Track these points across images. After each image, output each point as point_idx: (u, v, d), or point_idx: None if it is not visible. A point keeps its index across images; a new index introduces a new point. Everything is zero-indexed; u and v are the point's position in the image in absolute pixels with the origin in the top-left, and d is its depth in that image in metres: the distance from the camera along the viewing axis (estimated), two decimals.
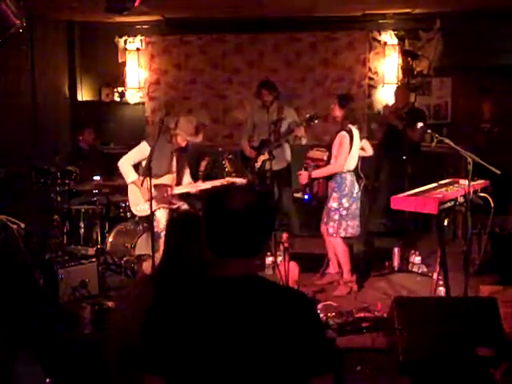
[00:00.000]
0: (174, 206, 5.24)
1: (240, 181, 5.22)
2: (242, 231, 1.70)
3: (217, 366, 1.64)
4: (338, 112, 5.15)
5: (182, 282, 2.36)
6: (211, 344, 1.64)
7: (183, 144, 5.20)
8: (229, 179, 5.27)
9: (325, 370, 1.70)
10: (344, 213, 5.11)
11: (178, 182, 5.34)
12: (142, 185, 4.73)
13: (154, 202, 4.81)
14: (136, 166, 5.25)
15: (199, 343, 1.64)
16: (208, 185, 5.28)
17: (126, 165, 5.19)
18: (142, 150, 5.13)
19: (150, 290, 2.45)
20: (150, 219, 4.77)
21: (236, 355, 1.64)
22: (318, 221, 5.45)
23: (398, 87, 7.29)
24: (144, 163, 5.15)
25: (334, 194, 5.13)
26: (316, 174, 5.17)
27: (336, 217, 5.10)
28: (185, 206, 5.33)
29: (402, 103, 6.92)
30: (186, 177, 5.47)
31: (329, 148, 5.24)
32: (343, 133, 5.09)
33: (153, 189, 4.69)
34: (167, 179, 5.20)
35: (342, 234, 5.13)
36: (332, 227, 5.12)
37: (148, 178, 4.48)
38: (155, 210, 5.03)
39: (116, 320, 2.53)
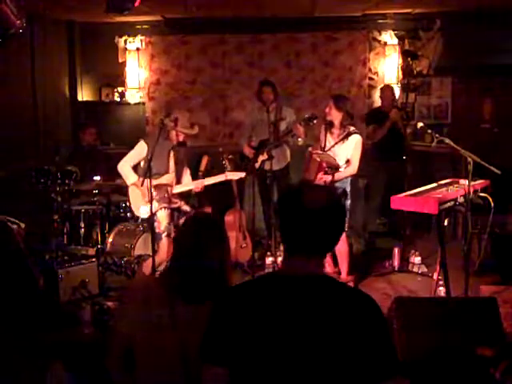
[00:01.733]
0: (175, 206, 5.23)
1: (239, 175, 5.23)
2: (317, 230, 1.71)
3: (282, 363, 1.64)
4: (335, 114, 5.13)
5: (200, 284, 2.36)
6: (277, 341, 1.65)
7: (180, 138, 5.19)
8: (227, 173, 5.24)
9: (391, 373, 1.68)
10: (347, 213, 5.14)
11: (178, 181, 5.32)
12: (142, 185, 4.72)
13: (155, 202, 4.84)
14: (135, 167, 5.25)
15: (266, 339, 1.65)
16: (211, 181, 5.24)
17: (125, 167, 5.18)
18: (139, 150, 5.13)
19: (158, 291, 2.42)
20: (149, 220, 4.78)
21: (302, 353, 1.64)
22: None
23: (382, 87, 7.27)
24: (143, 163, 5.16)
25: None
26: (338, 176, 5.13)
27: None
28: (185, 205, 5.33)
29: (388, 103, 6.92)
30: (186, 175, 5.44)
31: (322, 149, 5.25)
32: (358, 136, 5.12)
33: (153, 189, 4.72)
34: (167, 178, 5.18)
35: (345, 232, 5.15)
36: None
37: (148, 180, 4.51)
38: (157, 211, 5.03)
39: (119, 323, 2.51)
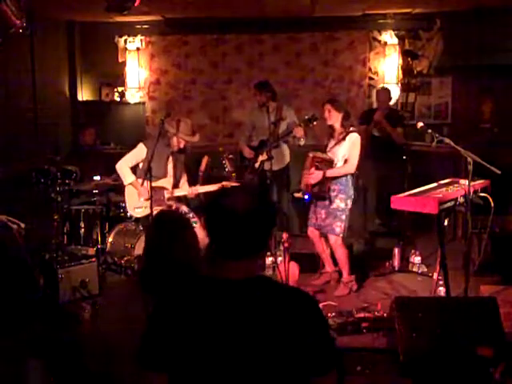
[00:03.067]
0: (172, 208, 5.25)
1: (235, 184, 5.24)
2: (243, 233, 1.70)
3: (220, 365, 1.65)
4: (335, 116, 5.12)
5: (168, 283, 2.38)
6: (215, 344, 1.65)
7: (181, 145, 5.27)
8: (225, 183, 5.28)
9: (329, 368, 1.72)
10: (347, 213, 5.13)
11: (175, 185, 5.39)
12: (142, 185, 4.84)
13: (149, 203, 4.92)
14: (134, 169, 5.29)
15: (203, 343, 1.65)
16: (205, 188, 5.36)
17: (123, 167, 5.29)
18: (138, 152, 5.26)
19: (134, 291, 2.44)
20: (149, 219, 4.80)
21: (240, 354, 1.65)
22: None
23: (378, 90, 7.27)
24: (141, 165, 5.21)
25: (340, 195, 5.12)
26: (330, 173, 5.11)
27: (343, 217, 5.11)
28: (183, 208, 5.35)
29: (384, 105, 6.92)
30: (183, 180, 5.53)
31: (322, 149, 5.25)
32: (355, 134, 5.10)
33: (153, 190, 4.87)
34: (165, 182, 5.28)
35: (343, 234, 5.14)
36: (339, 227, 5.10)
37: (145, 182, 4.74)
38: (152, 212, 5.05)
39: (98, 323, 2.53)
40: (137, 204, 5.27)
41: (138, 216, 5.42)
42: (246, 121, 6.79)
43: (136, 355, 1.72)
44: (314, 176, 5.08)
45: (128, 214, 5.82)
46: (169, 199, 5.27)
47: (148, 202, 4.94)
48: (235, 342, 1.65)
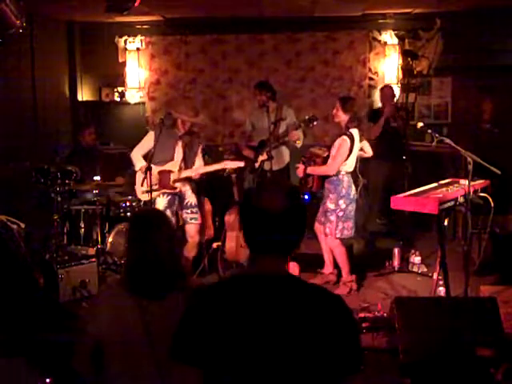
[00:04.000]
0: (176, 190, 5.36)
1: (238, 164, 5.31)
2: (279, 231, 1.73)
3: (252, 362, 1.67)
4: (342, 116, 5.13)
5: (155, 279, 2.43)
6: (248, 340, 1.67)
7: (186, 127, 5.31)
8: (226, 162, 5.37)
9: (358, 367, 1.74)
10: (340, 214, 5.11)
11: (186, 168, 5.41)
12: (144, 172, 5.01)
13: (156, 187, 5.20)
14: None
15: (237, 339, 1.67)
16: (207, 169, 5.39)
17: (135, 154, 5.42)
18: (148, 140, 5.37)
19: (123, 292, 2.45)
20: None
21: (271, 352, 1.66)
22: None
23: (382, 87, 7.27)
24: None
25: (331, 195, 5.13)
26: (310, 169, 5.19)
27: (332, 218, 5.11)
28: (186, 188, 5.42)
29: (388, 103, 6.92)
30: (199, 162, 5.49)
31: (329, 148, 5.25)
32: (344, 137, 5.08)
33: (157, 175, 5.19)
34: (171, 166, 5.31)
35: (338, 235, 5.13)
36: (328, 228, 5.13)
37: (152, 167, 4.96)
38: (156, 197, 5.29)
39: (87, 324, 2.53)
40: (144, 188, 5.32)
41: (144, 199, 5.49)
42: (247, 120, 6.79)
43: (170, 347, 1.74)
44: (298, 170, 5.30)
45: (128, 214, 5.84)
46: (174, 181, 5.32)
47: (154, 187, 5.13)
48: (267, 338, 1.66)
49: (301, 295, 1.74)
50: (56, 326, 4.15)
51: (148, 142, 5.33)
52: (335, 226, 5.12)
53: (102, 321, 2.43)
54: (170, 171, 5.31)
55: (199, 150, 5.51)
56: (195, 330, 1.71)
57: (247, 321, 1.68)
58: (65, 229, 5.75)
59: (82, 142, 6.79)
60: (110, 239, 5.70)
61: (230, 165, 5.34)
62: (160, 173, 5.26)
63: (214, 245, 5.78)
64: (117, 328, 2.41)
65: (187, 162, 5.40)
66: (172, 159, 5.33)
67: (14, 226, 4.49)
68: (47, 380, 2.80)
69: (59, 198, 5.44)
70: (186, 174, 5.36)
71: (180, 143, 5.35)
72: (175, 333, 1.75)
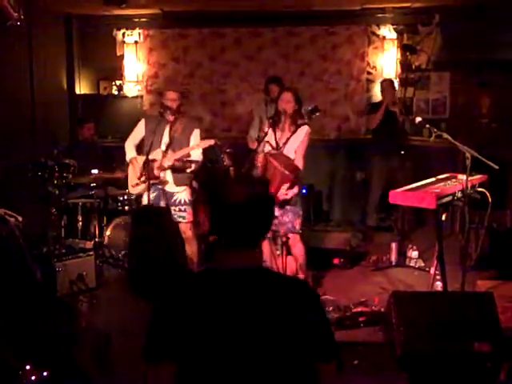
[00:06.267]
0: (157, 180, 5.11)
1: (209, 142, 5.00)
2: (244, 223, 1.75)
3: (226, 354, 1.68)
4: (294, 107, 4.73)
5: (159, 274, 2.41)
6: (220, 333, 1.68)
7: (174, 104, 5.09)
8: (198, 144, 5.02)
9: (330, 356, 1.77)
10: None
11: (174, 151, 5.11)
12: (132, 164, 4.98)
13: (144, 179, 5.04)
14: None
15: (208, 332, 1.68)
16: (178, 154, 5.03)
17: (127, 144, 5.30)
18: (139, 129, 5.27)
19: (122, 288, 2.45)
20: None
21: (244, 343, 1.68)
22: (316, 214, 5.38)
23: (382, 81, 7.26)
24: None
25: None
26: None
27: (301, 212, 4.85)
28: (168, 177, 5.15)
29: (389, 95, 6.91)
30: (194, 143, 5.11)
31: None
32: (307, 127, 4.74)
33: (143, 166, 5.01)
34: (155, 154, 5.06)
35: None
36: (299, 224, 4.82)
37: (137, 157, 4.99)
38: (142, 191, 5.12)
39: (92, 321, 2.53)
40: (133, 181, 5.21)
41: (135, 193, 5.36)
42: (254, 113, 6.85)
43: (143, 349, 1.73)
44: (288, 197, 4.67)
45: (126, 207, 5.83)
46: (158, 169, 5.05)
47: (143, 179, 5.03)
48: (239, 330, 1.68)
49: (269, 285, 1.76)
50: (53, 319, 4.15)
51: (139, 132, 5.23)
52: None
53: (105, 316, 2.43)
54: (154, 160, 5.03)
55: (194, 134, 5.16)
56: (166, 327, 1.71)
57: (217, 313, 1.69)
58: (62, 222, 5.74)
59: (81, 136, 6.78)
60: (108, 232, 5.70)
61: (202, 145, 5.02)
62: (146, 163, 4.94)
63: (211, 238, 5.77)
64: (119, 324, 2.41)
65: (175, 148, 5.08)
66: (159, 147, 5.09)
67: (12, 220, 4.48)
68: (44, 373, 2.81)
69: (57, 191, 5.44)
70: (167, 162, 5.04)
71: (167, 128, 5.09)
72: (148, 334, 1.74)
